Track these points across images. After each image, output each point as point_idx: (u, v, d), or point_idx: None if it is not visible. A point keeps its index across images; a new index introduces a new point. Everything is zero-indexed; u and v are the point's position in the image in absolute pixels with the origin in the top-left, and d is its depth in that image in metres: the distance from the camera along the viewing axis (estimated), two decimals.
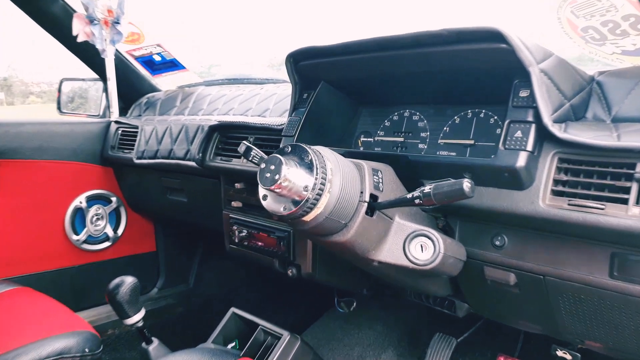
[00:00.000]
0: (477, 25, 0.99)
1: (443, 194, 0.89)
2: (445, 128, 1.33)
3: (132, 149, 2.21)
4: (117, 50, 2.28)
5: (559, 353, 1.39)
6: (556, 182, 0.98)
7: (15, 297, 1.73)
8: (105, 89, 2.45)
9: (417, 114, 1.40)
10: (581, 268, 1.02)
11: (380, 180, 1.05)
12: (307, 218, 0.96)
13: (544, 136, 0.99)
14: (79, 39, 1.38)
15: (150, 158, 2.09)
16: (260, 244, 1.63)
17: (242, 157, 1.60)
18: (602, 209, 0.90)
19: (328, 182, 0.94)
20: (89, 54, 2.25)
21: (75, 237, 2.30)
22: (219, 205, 1.89)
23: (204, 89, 2.38)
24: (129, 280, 1.37)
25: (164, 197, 2.24)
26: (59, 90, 2.58)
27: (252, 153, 1.19)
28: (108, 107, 2.46)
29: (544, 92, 0.97)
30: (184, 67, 2.32)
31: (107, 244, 2.42)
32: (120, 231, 2.46)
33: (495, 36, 0.98)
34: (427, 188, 0.91)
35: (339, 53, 1.28)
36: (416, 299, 1.55)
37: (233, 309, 1.75)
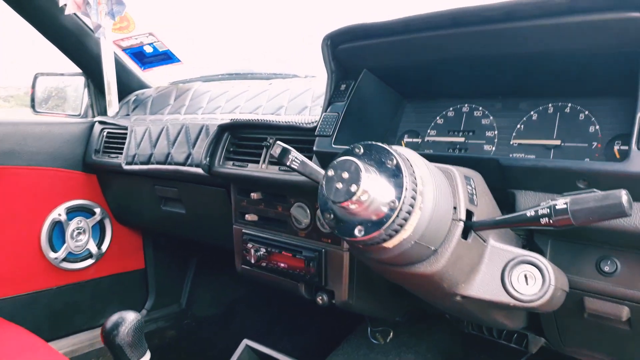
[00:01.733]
0: None
1: (589, 211, 0.64)
2: (518, 126, 1.09)
3: (121, 153, 1.93)
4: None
5: None
6: None
7: None
8: (88, 85, 2.16)
9: (480, 109, 1.16)
10: None
11: (474, 191, 0.81)
12: (390, 244, 0.70)
13: None
14: (68, 11, 1.11)
15: (142, 164, 1.81)
16: (282, 265, 1.37)
17: (273, 162, 1.35)
18: None
19: (419, 195, 0.69)
20: (69, 42, 1.96)
21: (53, 255, 1.99)
22: (226, 218, 1.62)
23: (201, 85, 2.11)
24: (130, 318, 1.09)
25: (157, 208, 1.96)
26: (33, 87, 2.27)
27: (290, 156, 0.94)
28: (91, 105, 2.17)
29: None
30: (178, 60, 2.04)
31: (89, 261, 2.11)
32: (104, 247, 2.16)
33: (633, 2, 0.75)
34: (560, 203, 0.67)
35: (395, 32, 1.03)
36: (475, 331, 1.30)
37: (246, 341, 1.48)
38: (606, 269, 0.91)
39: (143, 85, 2.21)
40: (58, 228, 2.02)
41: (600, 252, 0.91)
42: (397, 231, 0.69)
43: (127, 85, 2.17)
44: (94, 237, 2.13)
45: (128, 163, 1.86)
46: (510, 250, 0.82)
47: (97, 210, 2.13)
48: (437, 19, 0.95)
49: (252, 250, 1.43)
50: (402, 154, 0.73)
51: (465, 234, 0.77)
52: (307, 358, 1.48)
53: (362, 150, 0.74)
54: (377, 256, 0.74)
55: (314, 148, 1.17)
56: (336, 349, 1.79)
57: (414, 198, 0.69)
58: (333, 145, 1.14)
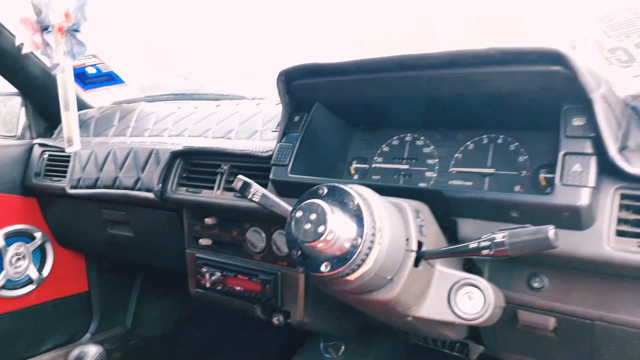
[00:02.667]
0: (534, 45, 0.87)
1: (522, 244, 0.75)
2: (457, 155, 1.20)
3: (64, 177, 1.89)
4: (37, 57, 1.95)
5: None
6: (620, 221, 0.88)
7: None
8: (25, 105, 2.11)
9: (422, 138, 1.27)
10: (637, 312, 0.93)
11: (423, 222, 0.90)
12: (353, 277, 0.78)
13: (604, 170, 0.89)
14: (25, 50, 1.10)
15: (88, 187, 1.79)
16: (238, 288, 1.41)
17: (229, 188, 1.39)
18: None
19: (378, 232, 0.78)
20: (5, 62, 1.91)
21: None
22: (177, 242, 1.64)
23: (145, 105, 2.10)
24: (92, 352, 1.10)
25: (103, 231, 1.93)
26: None
27: (252, 190, 0.99)
28: (29, 126, 2.12)
29: (606, 122, 0.87)
30: (122, 81, 2.03)
31: (30, 287, 2.05)
32: (46, 271, 2.10)
33: (555, 58, 0.87)
34: (498, 236, 0.77)
35: (347, 72, 1.12)
36: (421, 342, 1.40)
37: None
38: (535, 285, 1.02)
39: (85, 106, 2.17)
40: None
41: (530, 270, 1.03)
42: (359, 265, 0.77)
43: None
44: (35, 262, 2.07)
45: (73, 187, 1.83)
46: (454, 274, 0.91)
47: (38, 234, 2.07)
48: (386, 62, 1.04)
49: (207, 275, 1.46)
50: (362, 194, 0.80)
51: (416, 263, 0.85)
52: None
53: (325, 191, 0.81)
54: (340, 287, 0.82)
55: (271, 177, 1.23)
56: None
57: (373, 235, 0.77)
58: (289, 175, 1.20)
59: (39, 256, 2.09)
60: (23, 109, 2.12)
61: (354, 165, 1.35)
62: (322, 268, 0.77)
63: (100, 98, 2.16)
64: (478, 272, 1.09)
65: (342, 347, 1.71)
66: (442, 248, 0.86)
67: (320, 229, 0.74)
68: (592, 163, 0.88)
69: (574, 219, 0.88)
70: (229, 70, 2.25)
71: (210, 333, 2.41)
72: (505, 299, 1.03)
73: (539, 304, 1.03)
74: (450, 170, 1.20)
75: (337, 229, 0.75)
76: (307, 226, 0.75)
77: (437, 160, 1.23)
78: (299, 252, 0.80)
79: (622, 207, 0.88)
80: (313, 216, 0.75)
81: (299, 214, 0.77)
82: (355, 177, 1.34)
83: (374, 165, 1.32)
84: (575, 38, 1.10)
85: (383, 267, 0.79)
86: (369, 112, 1.28)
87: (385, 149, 1.31)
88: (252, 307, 1.42)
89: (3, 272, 1.95)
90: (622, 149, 0.98)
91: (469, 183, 1.17)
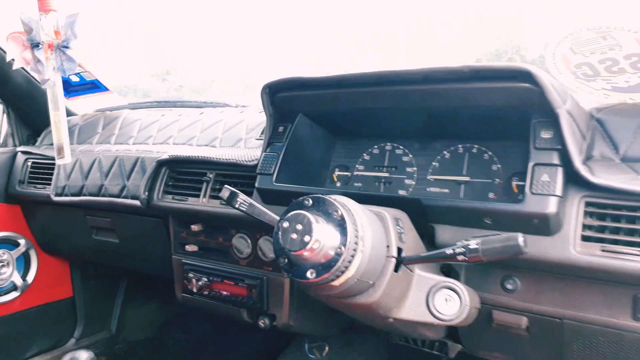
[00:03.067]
0: (505, 64, 0.93)
1: (494, 251, 0.81)
2: (434, 163, 1.26)
3: (48, 184, 1.91)
4: (22, 69, 1.96)
5: None
6: (584, 227, 0.95)
7: None
8: (8, 113, 2.12)
9: (401, 147, 1.32)
10: (602, 311, 1.00)
11: (402, 229, 0.95)
12: (337, 282, 0.83)
13: (570, 179, 0.95)
14: (16, 66, 1.12)
15: (73, 195, 1.81)
16: (224, 293, 1.45)
17: (215, 196, 1.43)
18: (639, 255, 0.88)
19: (361, 240, 0.83)
20: None
21: None
22: (163, 248, 1.67)
23: (129, 112, 2.13)
24: (83, 358, 1.13)
25: (88, 238, 1.95)
26: None
27: (239, 199, 1.04)
28: (11, 134, 2.12)
29: (571, 135, 0.93)
30: (106, 89, 2.05)
31: (14, 294, 2.06)
32: (30, 278, 2.11)
33: (523, 75, 0.93)
34: (472, 243, 0.83)
35: (329, 86, 1.17)
36: (402, 341, 1.46)
37: None
38: (509, 286, 1.09)
39: (68, 113, 2.18)
40: None
41: (504, 273, 1.09)
42: (343, 272, 0.82)
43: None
44: (19, 269, 2.07)
45: (58, 194, 1.85)
46: (432, 277, 0.97)
47: (22, 241, 2.07)
48: (365, 78, 1.10)
49: (194, 280, 1.49)
50: (345, 204, 0.86)
51: (396, 268, 0.91)
52: None
53: (310, 203, 0.86)
54: (325, 292, 0.87)
55: (257, 185, 1.27)
56: None
57: (356, 243, 0.82)
58: (275, 183, 1.25)
59: (23, 263, 2.10)
60: (4, 117, 2.13)
61: (337, 173, 1.40)
62: (308, 275, 0.82)
63: (83, 105, 2.17)
64: (455, 275, 1.15)
65: (326, 348, 1.76)
66: (421, 254, 0.92)
67: (306, 238, 0.79)
68: (559, 173, 0.94)
69: (543, 225, 0.94)
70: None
71: (194, 336, 2.44)
72: (481, 300, 1.09)
73: (512, 304, 1.09)
74: (428, 178, 1.26)
75: (322, 238, 0.80)
76: (294, 236, 0.80)
77: (415, 168, 1.29)
78: (286, 260, 0.84)
79: (586, 214, 0.95)
80: (299, 226, 0.80)
81: (285, 224, 0.82)
82: (338, 184, 1.39)
83: (355, 173, 1.37)
84: (544, 53, 1.17)
85: (365, 273, 0.84)
86: (350, 123, 1.33)
87: (366, 157, 1.36)
88: (238, 311, 1.46)
89: None
90: (588, 159, 1.05)
91: (446, 190, 1.23)
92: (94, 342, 2.38)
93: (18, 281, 2.06)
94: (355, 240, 0.82)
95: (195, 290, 1.50)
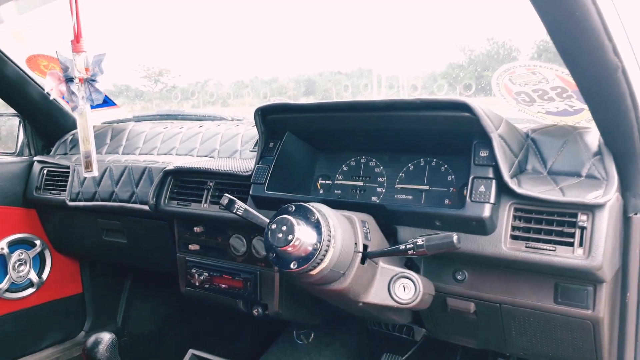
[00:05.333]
0: (448, 97, 1.17)
1: (434, 247, 1.04)
2: (400, 174, 1.49)
3: (63, 190, 2.12)
4: (37, 83, 2.18)
5: None
6: (513, 228, 1.18)
7: None
8: (25, 124, 2.33)
9: (374, 160, 1.55)
10: (531, 296, 1.23)
11: (368, 230, 1.18)
12: (314, 272, 1.05)
13: (502, 190, 1.18)
14: (52, 96, 1.35)
15: (87, 200, 2.03)
16: (223, 285, 1.67)
17: (214, 202, 1.64)
18: (553, 250, 1.11)
19: (332, 239, 1.05)
20: (8, 89, 2.14)
21: None
22: (167, 247, 1.89)
23: (134, 125, 2.35)
24: (106, 338, 1.35)
25: (98, 238, 2.17)
26: None
27: (236, 206, 1.26)
28: (28, 144, 2.34)
29: (502, 154, 1.16)
30: (114, 104, 2.27)
31: (31, 290, 2.28)
32: (44, 275, 2.33)
33: (462, 107, 1.17)
34: (419, 240, 1.06)
35: (310, 110, 1.40)
36: (375, 326, 1.69)
37: (192, 351, 1.76)
38: (459, 277, 1.32)
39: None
40: (0, 261, 2.16)
41: (455, 266, 1.32)
42: (319, 263, 1.04)
43: (63, 125, 2.36)
44: (35, 267, 2.29)
45: (72, 200, 2.06)
46: (393, 269, 1.20)
47: (37, 242, 2.29)
48: (340, 105, 1.33)
49: (196, 275, 1.72)
50: (320, 210, 1.08)
51: (363, 261, 1.13)
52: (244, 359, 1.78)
53: (293, 209, 1.09)
54: (305, 280, 1.09)
55: (251, 193, 1.50)
56: (267, 351, 2.11)
57: (329, 240, 1.05)
58: (266, 191, 1.47)
59: (39, 262, 2.32)
60: (21, 129, 2.34)
61: (320, 181, 1.63)
62: (291, 266, 1.04)
63: (92, 118, 2.38)
64: (416, 268, 1.37)
65: (312, 335, 1.99)
66: (382, 249, 1.14)
67: (290, 237, 1.01)
68: (493, 185, 1.17)
69: (480, 226, 1.18)
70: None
71: (195, 329, 2.66)
72: (437, 289, 1.32)
73: (462, 292, 1.32)
74: (396, 186, 1.49)
75: (302, 237, 1.02)
76: (280, 235, 1.02)
77: (385, 178, 1.52)
78: (274, 255, 1.07)
79: (515, 217, 1.18)
80: (284, 228, 1.03)
81: (273, 226, 1.04)
82: (321, 191, 1.61)
83: (336, 181, 1.60)
84: (490, 82, 1.40)
85: (337, 264, 1.07)
86: (331, 139, 1.56)
87: (345, 168, 1.59)
88: (235, 302, 1.68)
89: (7, 277, 2.18)
90: (521, 172, 1.29)
91: (410, 197, 1.46)
92: None
93: (34, 278, 2.28)
94: (328, 238, 1.04)
95: (197, 284, 1.72)
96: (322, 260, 1.04)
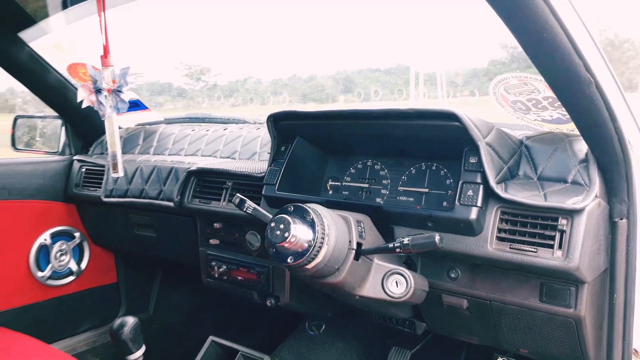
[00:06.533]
0: (437, 108, 1.26)
1: (418, 245, 1.13)
2: (403, 177, 1.59)
3: (99, 187, 2.31)
4: (76, 89, 2.37)
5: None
6: (499, 230, 1.26)
7: None
8: (66, 126, 2.53)
9: (379, 163, 1.65)
10: (518, 294, 1.30)
11: (363, 229, 1.28)
12: (310, 266, 1.17)
13: (489, 194, 1.27)
14: (84, 105, 1.52)
15: (119, 197, 2.20)
16: (240, 278, 1.81)
17: (234, 207, 1.77)
18: (535, 252, 1.19)
19: (326, 236, 1.16)
20: (51, 94, 2.34)
21: (40, 274, 2.34)
22: (192, 241, 2.04)
23: (165, 127, 2.51)
24: (130, 321, 1.50)
25: (130, 232, 2.35)
26: (13, 127, 2.61)
27: (246, 205, 1.38)
28: (69, 145, 2.54)
29: (489, 161, 1.24)
30: (146, 108, 2.43)
31: (70, 278, 2.48)
32: (83, 265, 2.53)
33: (451, 117, 1.25)
34: (406, 240, 1.15)
35: (316, 117, 1.51)
36: (380, 320, 1.79)
37: (212, 338, 1.91)
38: (452, 275, 1.40)
39: None
40: (44, 251, 2.37)
41: (449, 265, 1.41)
42: (313, 258, 1.15)
43: (100, 127, 2.54)
44: (74, 257, 2.49)
45: (107, 196, 2.24)
46: (386, 265, 1.30)
47: (77, 234, 2.49)
48: (343, 113, 1.44)
49: (216, 267, 1.86)
50: (316, 210, 1.19)
51: (357, 257, 1.24)
52: (261, 349, 1.90)
53: (292, 209, 1.20)
54: (302, 273, 1.21)
55: (263, 193, 1.62)
56: (284, 341, 2.24)
57: (323, 238, 1.15)
58: (276, 192, 1.59)
59: (78, 252, 2.52)
60: (63, 130, 2.55)
61: (330, 182, 1.74)
62: (288, 260, 1.16)
63: (127, 121, 2.57)
64: (414, 266, 1.47)
65: (323, 326, 2.10)
66: (373, 247, 1.24)
67: (286, 234, 1.13)
68: (480, 190, 1.26)
69: (468, 228, 1.26)
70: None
71: (217, 318, 2.82)
72: (432, 286, 1.41)
73: (455, 289, 1.40)
74: (399, 188, 1.59)
75: (297, 234, 1.13)
76: (278, 232, 1.14)
77: (389, 180, 1.61)
78: (274, 249, 1.19)
79: (501, 220, 1.26)
80: (282, 226, 1.14)
81: (273, 224, 1.16)
82: (330, 192, 1.72)
83: (344, 183, 1.70)
84: (488, 90, 1.48)
85: (331, 260, 1.18)
86: (339, 143, 1.67)
87: (352, 170, 1.70)
88: (250, 293, 1.82)
89: (50, 265, 2.38)
90: (512, 177, 1.36)
91: (412, 199, 1.55)
92: None
93: (74, 267, 2.48)
94: (322, 236, 1.15)
95: (217, 275, 1.86)
96: (316, 255, 1.15)
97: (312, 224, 1.16)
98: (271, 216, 1.28)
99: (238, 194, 1.41)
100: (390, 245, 1.18)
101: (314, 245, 1.14)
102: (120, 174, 1.55)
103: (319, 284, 1.28)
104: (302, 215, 1.18)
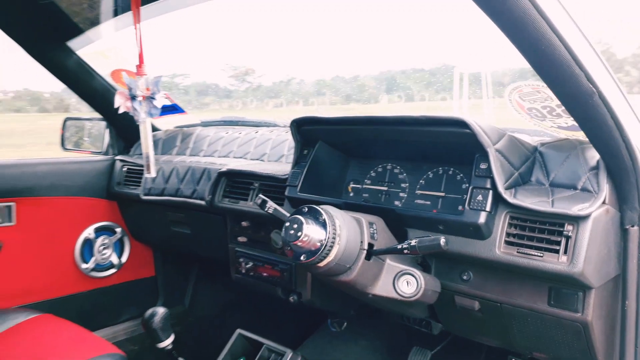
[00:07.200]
0: (447, 115, 1.31)
1: (424, 247, 1.19)
2: (421, 181, 1.63)
3: (138, 185, 2.45)
4: None
5: None
6: (508, 234, 1.29)
7: (40, 324, 1.94)
8: (110, 128, 2.70)
9: (398, 167, 1.70)
10: (527, 298, 1.33)
11: (375, 230, 1.34)
12: (322, 264, 1.24)
13: (499, 200, 1.30)
14: (120, 111, 1.66)
15: (157, 195, 2.33)
16: (265, 274, 1.90)
17: (258, 207, 1.87)
18: (541, 257, 1.22)
19: (337, 237, 1.23)
20: (96, 98, 2.51)
21: (84, 266, 2.51)
22: (223, 238, 2.15)
23: (201, 129, 2.64)
24: (161, 311, 1.62)
25: (167, 229, 2.48)
26: (63, 129, 2.80)
27: (267, 205, 1.47)
28: (111, 145, 2.70)
29: (498, 167, 1.28)
30: (183, 111, 2.57)
31: (112, 270, 2.64)
32: (123, 259, 2.69)
33: (461, 124, 1.30)
34: (413, 242, 1.21)
35: (335, 123, 1.58)
36: (398, 320, 1.84)
37: (239, 330, 2.00)
38: (465, 277, 1.44)
39: (154, 129, 2.74)
40: (88, 244, 2.54)
41: (461, 267, 1.45)
42: (325, 257, 1.22)
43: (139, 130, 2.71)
44: (116, 251, 2.66)
45: (145, 194, 2.38)
46: (398, 266, 1.35)
47: (118, 229, 2.65)
48: (359, 119, 1.50)
49: (243, 264, 1.96)
50: (328, 211, 1.26)
51: (368, 257, 1.30)
52: (285, 344, 1.99)
53: (306, 210, 1.28)
54: (315, 271, 1.28)
55: (285, 194, 1.71)
56: (310, 337, 2.32)
57: (334, 238, 1.22)
58: (298, 193, 1.67)
59: (119, 247, 2.68)
60: (107, 132, 2.71)
61: (351, 185, 1.80)
62: (301, 258, 1.23)
63: (166, 123, 2.72)
64: (428, 267, 1.52)
65: (345, 323, 2.17)
66: (384, 248, 1.30)
67: (299, 233, 1.20)
68: (489, 195, 1.29)
69: (477, 231, 1.30)
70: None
71: (247, 313, 2.93)
72: (445, 287, 1.46)
73: (467, 291, 1.44)
74: (417, 192, 1.64)
75: (310, 234, 1.21)
76: (292, 232, 1.22)
77: (407, 184, 1.66)
78: (289, 248, 1.27)
79: (510, 225, 1.30)
80: (295, 225, 1.22)
81: (287, 224, 1.24)
82: (351, 194, 1.79)
83: (364, 186, 1.77)
84: (504, 98, 1.51)
85: (342, 259, 1.25)
86: (360, 147, 1.73)
87: (373, 174, 1.76)
88: (274, 289, 1.91)
89: (93, 258, 2.55)
90: (524, 182, 1.39)
91: (428, 203, 1.60)
92: (172, 313, 2.87)
93: (115, 260, 2.64)
94: (333, 236, 1.22)
95: (244, 272, 1.96)
96: (327, 254, 1.22)
97: (324, 225, 1.23)
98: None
99: (260, 195, 1.50)
100: (399, 246, 1.24)
101: (326, 245, 1.21)
102: (153, 174, 1.67)
103: (333, 282, 1.35)
104: (315, 216, 1.25)
